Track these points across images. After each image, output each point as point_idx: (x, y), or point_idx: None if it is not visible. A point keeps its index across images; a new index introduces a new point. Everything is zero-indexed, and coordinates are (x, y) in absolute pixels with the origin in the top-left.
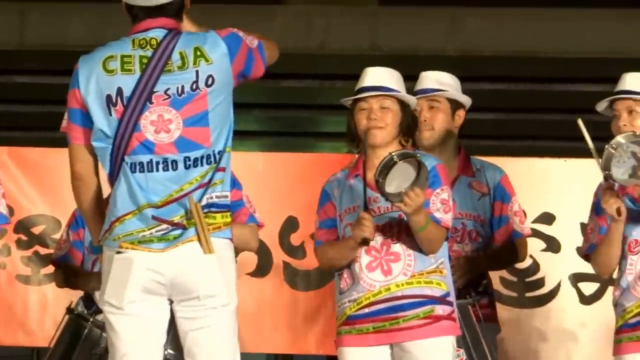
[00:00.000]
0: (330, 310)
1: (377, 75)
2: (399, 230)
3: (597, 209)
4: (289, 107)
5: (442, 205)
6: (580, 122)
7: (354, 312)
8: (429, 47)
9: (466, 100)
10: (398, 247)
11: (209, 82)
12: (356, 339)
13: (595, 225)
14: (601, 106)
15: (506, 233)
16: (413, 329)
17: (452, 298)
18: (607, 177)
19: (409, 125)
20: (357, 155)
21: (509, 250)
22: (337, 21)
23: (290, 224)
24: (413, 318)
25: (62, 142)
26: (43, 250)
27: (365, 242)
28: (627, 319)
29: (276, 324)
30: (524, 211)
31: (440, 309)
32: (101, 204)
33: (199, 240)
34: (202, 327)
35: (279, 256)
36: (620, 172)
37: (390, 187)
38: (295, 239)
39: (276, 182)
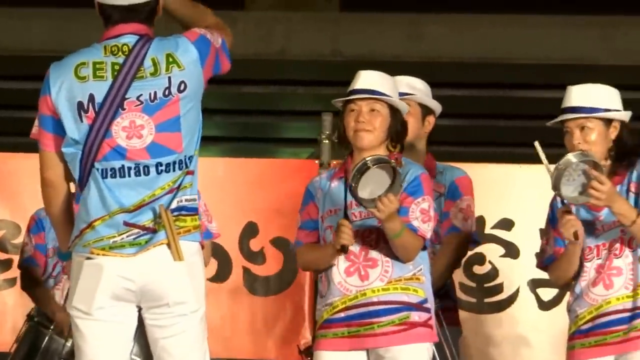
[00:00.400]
0: (290, 316)
1: (369, 79)
2: (377, 236)
3: (551, 221)
4: (250, 112)
5: (421, 214)
6: (537, 144)
7: (330, 316)
8: (390, 53)
9: (436, 107)
10: (376, 253)
11: (181, 87)
12: (332, 343)
13: (550, 236)
14: (552, 123)
15: (445, 228)
16: (387, 335)
17: (429, 305)
18: (558, 196)
19: (397, 131)
20: (317, 162)
21: (448, 247)
22: (298, 27)
23: (250, 230)
24: (388, 324)
25: (23, 147)
26: (3, 256)
27: (343, 249)
28: (579, 325)
29: (235, 330)
30: (484, 217)
31: (417, 316)
32: (71, 211)
33: (169, 247)
34: (172, 335)
35: (238, 262)
36: (570, 190)
37: (364, 192)
38: (254, 245)
39: (236, 188)
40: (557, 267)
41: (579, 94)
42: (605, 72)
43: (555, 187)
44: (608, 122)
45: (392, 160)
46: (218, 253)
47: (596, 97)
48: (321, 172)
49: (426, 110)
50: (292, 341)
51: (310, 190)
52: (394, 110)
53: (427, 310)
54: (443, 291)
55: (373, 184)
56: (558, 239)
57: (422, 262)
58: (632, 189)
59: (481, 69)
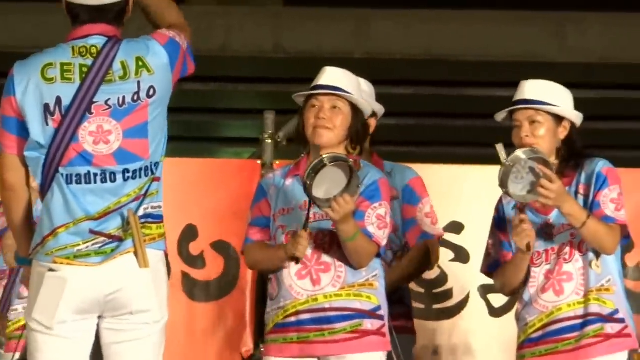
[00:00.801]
0: (231, 322)
1: (333, 75)
2: (331, 239)
3: (498, 224)
4: (189, 111)
5: (377, 220)
6: (499, 146)
7: (281, 320)
8: (335, 49)
9: (379, 110)
10: (329, 257)
11: (151, 93)
12: (282, 348)
13: (496, 240)
14: (500, 116)
15: (415, 235)
16: (338, 343)
17: (383, 312)
18: (506, 194)
19: (358, 132)
20: (259, 162)
21: (419, 254)
22: (240, 22)
23: (190, 233)
24: (340, 331)
25: None
26: None
27: (294, 259)
28: (529, 333)
29: (174, 338)
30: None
31: (369, 324)
32: (31, 216)
33: (136, 253)
34: (128, 340)
35: (177, 266)
36: (518, 189)
37: (319, 191)
38: (194, 248)
39: (175, 189)
40: (502, 273)
41: (532, 88)
42: (558, 70)
43: (503, 184)
44: (558, 120)
45: (350, 159)
46: None
47: (550, 93)
48: (275, 170)
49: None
50: (234, 349)
51: (263, 187)
52: (356, 110)
53: (381, 317)
54: (397, 297)
55: (329, 183)
56: (505, 242)
57: (376, 267)
58: (581, 191)
59: (429, 67)
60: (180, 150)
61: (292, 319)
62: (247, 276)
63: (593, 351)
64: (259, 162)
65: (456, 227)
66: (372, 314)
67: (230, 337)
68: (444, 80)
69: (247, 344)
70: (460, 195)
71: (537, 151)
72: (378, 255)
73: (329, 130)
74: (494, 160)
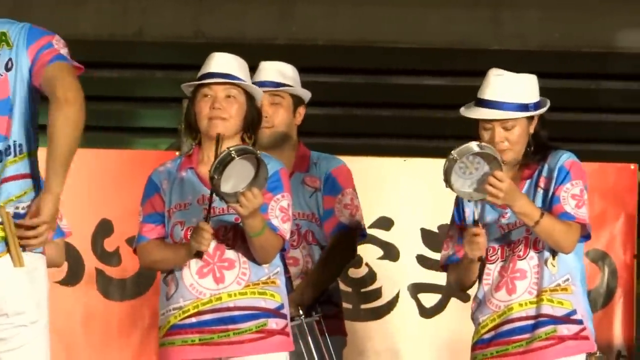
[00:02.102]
0: (148, 321)
1: (224, 62)
2: (234, 235)
3: (456, 218)
4: (103, 99)
5: (281, 213)
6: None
7: (179, 321)
8: (258, 35)
9: (306, 96)
10: (233, 253)
11: (9, 66)
12: (181, 350)
13: (454, 233)
14: (469, 115)
15: (332, 226)
16: (244, 344)
17: (286, 311)
18: (450, 189)
19: (253, 120)
20: (177, 153)
21: (336, 246)
22: (157, 5)
23: (104, 228)
24: (245, 332)
25: None
26: None
27: (199, 255)
28: (481, 334)
29: (88, 338)
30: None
31: (274, 323)
32: None
33: (9, 252)
34: (13, 349)
35: (91, 263)
36: (466, 185)
37: (226, 186)
38: (109, 244)
39: (89, 182)
40: (456, 270)
41: (503, 86)
42: (493, 57)
43: (447, 179)
44: (530, 117)
45: (258, 151)
46: (69, 253)
47: (522, 91)
48: (165, 162)
49: (297, 101)
50: (150, 350)
51: (155, 181)
52: (249, 97)
53: (284, 316)
54: (325, 297)
55: (236, 177)
56: (460, 239)
57: (278, 263)
58: (541, 184)
59: (357, 53)
60: (95, 140)
61: (193, 319)
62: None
63: (544, 354)
64: (177, 153)
65: (385, 223)
66: (277, 312)
67: (146, 337)
68: (373, 68)
69: None
70: (391, 190)
71: (485, 147)
72: (282, 250)
73: (225, 121)
74: (427, 152)
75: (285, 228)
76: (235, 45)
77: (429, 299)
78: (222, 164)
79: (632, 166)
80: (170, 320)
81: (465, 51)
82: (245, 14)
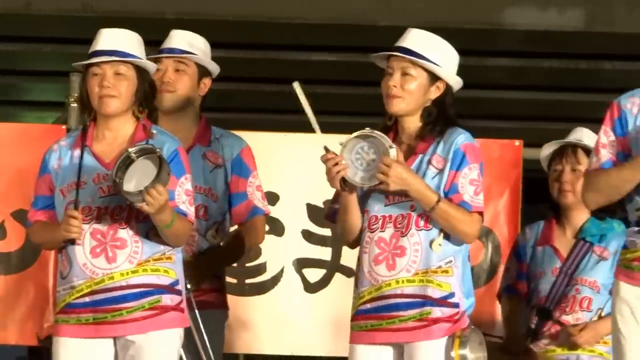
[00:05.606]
0: (32, 297)
1: (112, 38)
2: (129, 214)
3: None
4: None
5: (187, 197)
6: (296, 84)
7: (73, 300)
8: (146, 9)
9: (215, 69)
10: (125, 232)
11: None
12: (75, 329)
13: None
14: (379, 61)
15: (245, 211)
16: (138, 321)
17: (181, 287)
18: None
19: (145, 93)
20: (64, 127)
21: (252, 230)
22: None
23: None
24: (138, 309)
25: None
26: None
27: (72, 241)
28: (357, 305)
29: None
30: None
31: (168, 299)
32: None
33: None
34: None
35: None
36: (358, 177)
37: (130, 185)
38: None
39: None
40: (338, 217)
41: (416, 38)
42: (380, 34)
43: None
44: (434, 78)
45: (158, 149)
46: None
47: (434, 48)
48: (59, 140)
49: (203, 72)
50: (35, 323)
51: (46, 160)
52: (140, 72)
53: (179, 292)
54: None
55: (138, 175)
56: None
57: None
58: (434, 162)
59: (241, 28)
60: None
61: (87, 299)
62: None
63: (416, 335)
64: (63, 127)
65: (270, 198)
66: (171, 288)
67: (31, 311)
68: (256, 43)
69: (49, 320)
70: (275, 165)
71: (373, 133)
72: None
73: (115, 99)
74: (306, 127)
75: (192, 211)
76: (123, 20)
77: (314, 274)
78: (123, 165)
79: (517, 142)
80: (65, 298)
81: (350, 26)
82: None
